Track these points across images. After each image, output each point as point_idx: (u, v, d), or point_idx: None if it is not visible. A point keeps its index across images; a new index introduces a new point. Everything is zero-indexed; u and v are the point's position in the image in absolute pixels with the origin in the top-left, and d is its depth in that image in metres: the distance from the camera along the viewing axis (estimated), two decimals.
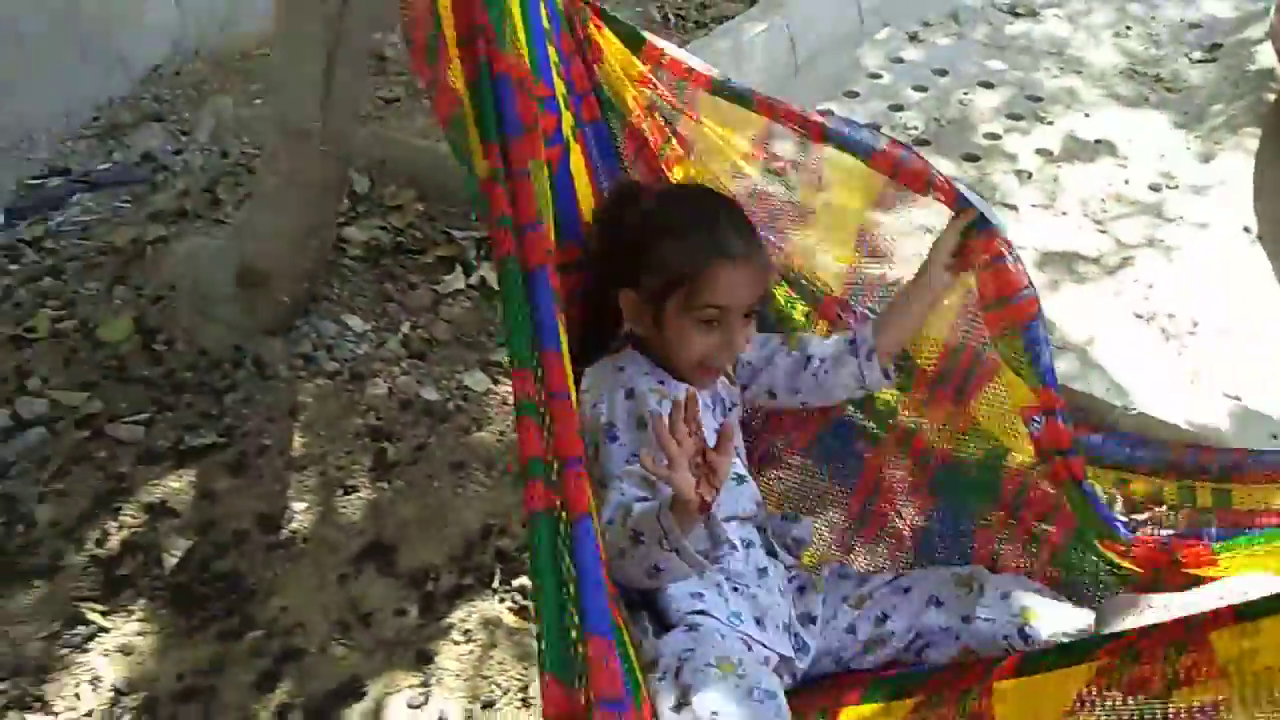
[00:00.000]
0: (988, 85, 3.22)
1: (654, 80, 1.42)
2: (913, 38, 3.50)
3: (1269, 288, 2.34)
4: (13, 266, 2.42)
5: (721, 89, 1.38)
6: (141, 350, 2.19)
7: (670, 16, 3.36)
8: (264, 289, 2.05)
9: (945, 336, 1.44)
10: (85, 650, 1.65)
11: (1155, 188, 2.73)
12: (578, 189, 1.43)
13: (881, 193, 1.41)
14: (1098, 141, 2.92)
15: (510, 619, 1.72)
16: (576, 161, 1.42)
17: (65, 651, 1.65)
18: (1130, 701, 0.86)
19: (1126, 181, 2.74)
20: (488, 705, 1.58)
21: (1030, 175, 2.79)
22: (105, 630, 1.68)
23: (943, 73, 3.29)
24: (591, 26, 1.41)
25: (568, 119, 1.40)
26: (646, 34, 1.43)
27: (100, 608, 1.71)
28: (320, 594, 1.74)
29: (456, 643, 1.67)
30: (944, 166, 2.82)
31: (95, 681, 1.61)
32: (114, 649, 1.65)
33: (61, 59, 2.77)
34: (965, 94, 3.17)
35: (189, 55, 3.01)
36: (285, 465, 1.96)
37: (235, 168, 2.69)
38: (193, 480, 1.93)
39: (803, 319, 1.53)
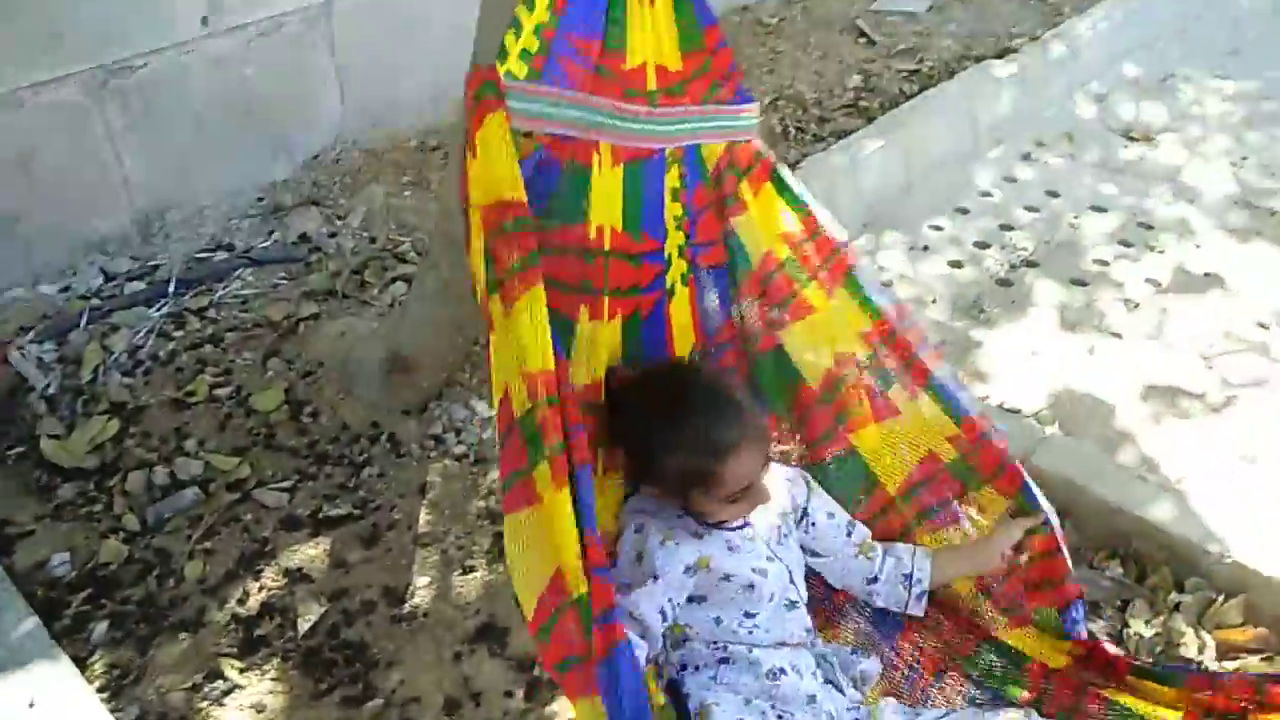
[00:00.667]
0: (1099, 209, 3.27)
1: (800, 245, 1.56)
2: (1025, 157, 3.58)
3: None
4: (177, 333, 2.67)
5: (853, 280, 1.55)
6: (289, 420, 2.40)
7: (790, 129, 3.51)
8: (408, 375, 2.24)
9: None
10: (222, 704, 1.81)
11: (1264, 325, 2.74)
12: (676, 331, 1.59)
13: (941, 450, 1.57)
14: (1207, 275, 2.95)
15: None
16: (680, 305, 1.58)
17: (205, 705, 1.81)
18: None
19: (1234, 318, 2.76)
20: None
21: (1137, 305, 2.83)
22: (241, 687, 1.84)
23: (1054, 194, 3.37)
24: (745, 190, 1.55)
25: (678, 267, 1.56)
26: (809, 202, 1.58)
27: (238, 664, 1.88)
28: (436, 669, 1.87)
29: None
30: (1052, 289, 2.90)
31: None
32: (248, 705, 1.81)
33: (234, 143, 3.06)
34: (1076, 217, 3.24)
35: (348, 145, 3.29)
36: (412, 541, 2.12)
37: (382, 253, 2.93)
38: (328, 549, 2.10)
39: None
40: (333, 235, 3.01)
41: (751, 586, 1.42)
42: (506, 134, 1.23)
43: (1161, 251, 3.07)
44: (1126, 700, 1.44)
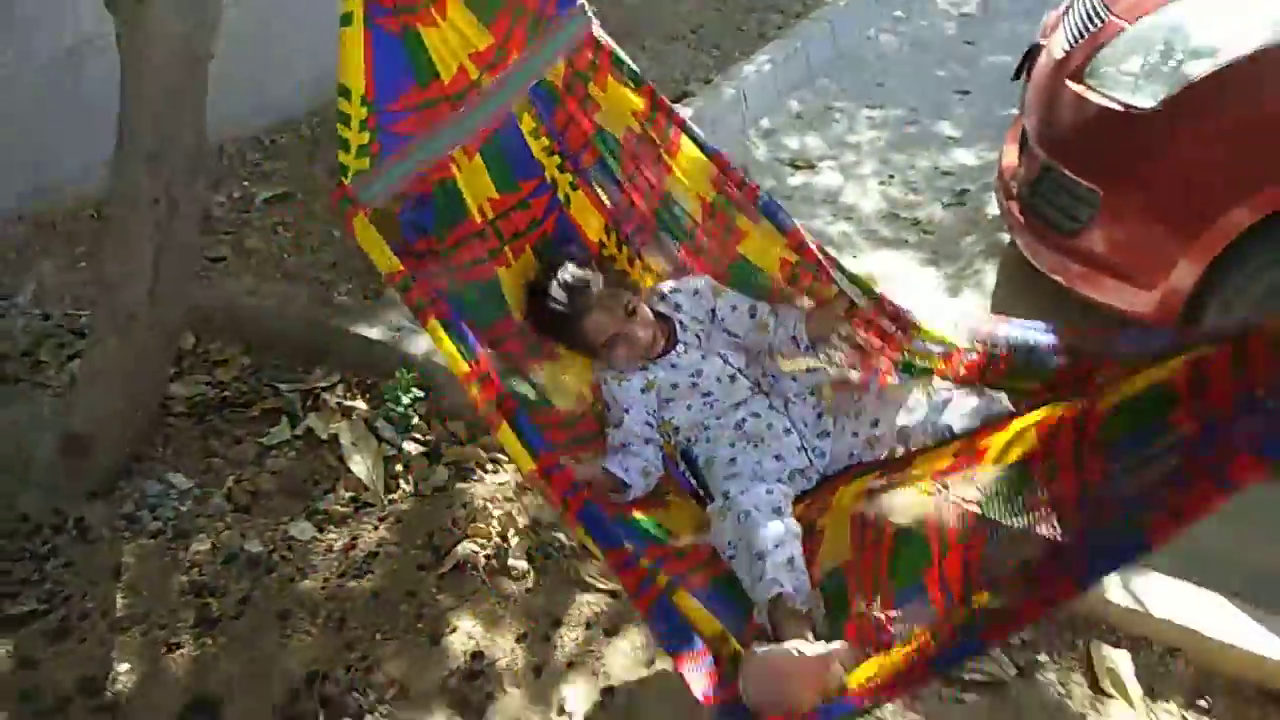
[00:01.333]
0: None
1: (646, 109, 1.81)
2: None
3: None
4: None
5: (689, 129, 1.83)
6: None
7: None
8: (86, 458, 2.13)
9: None
10: None
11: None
12: (584, 223, 1.99)
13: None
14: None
15: None
16: (580, 203, 1.95)
17: None
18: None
19: None
20: None
21: None
22: None
23: None
24: (592, 86, 1.79)
25: (564, 181, 1.90)
26: (638, 80, 1.82)
27: None
28: None
29: None
30: None
31: None
32: None
33: None
34: None
35: (11, 219, 3.06)
36: (109, 628, 2.01)
37: (57, 329, 2.75)
38: (11, 650, 1.95)
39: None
40: (1, 316, 2.80)
41: (695, 383, 1.94)
42: (369, 229, 1.52)
43: None
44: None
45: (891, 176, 4.08)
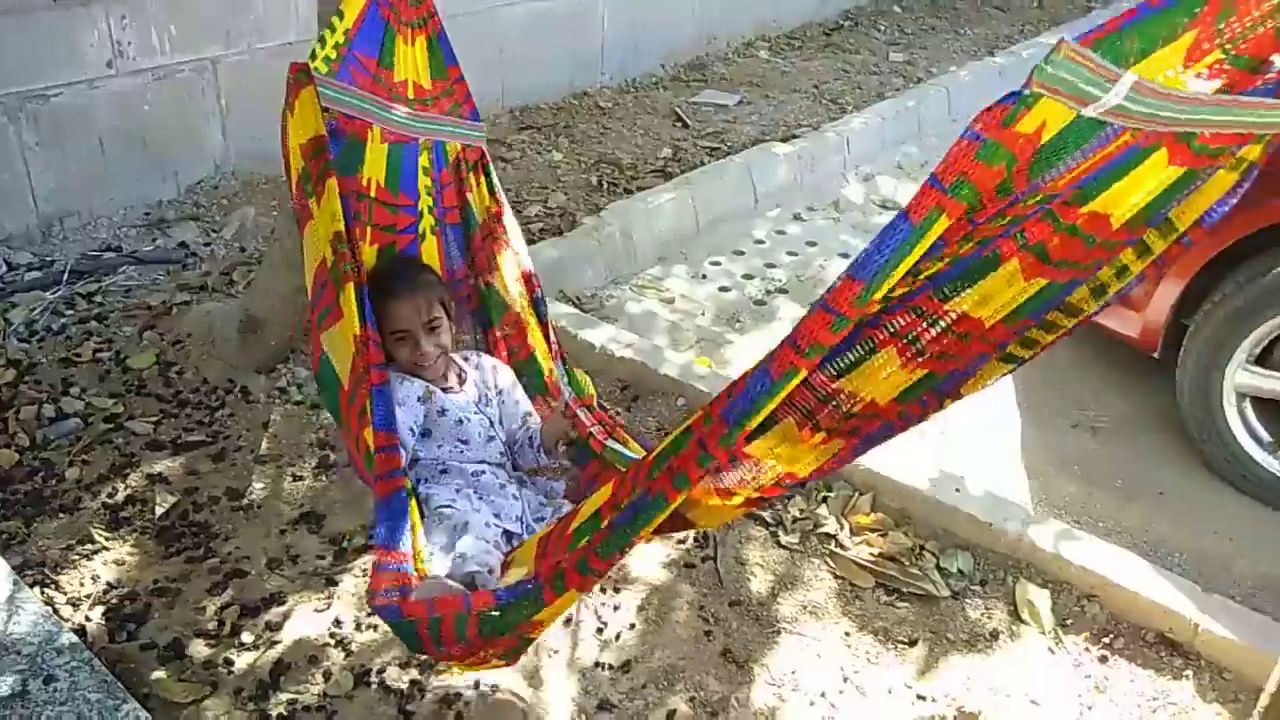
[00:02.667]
0: (845, 255, 4.10)
1: (496, 209, 2.28)
2: (796, 217, 4.41)
3: None
4: (69, 311, 3.20)
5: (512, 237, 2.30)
6: (159, 376, 2.95)
7: (605, 184, 4.27)
8: (258, 334, 2.83)
9: None
10: (90, 560, 2.32)
11: None
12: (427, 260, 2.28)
13: None
14: None
15: None
16: (429, 248, 2.27)
17: (76, 558, 2.32)
18: None
19: None
20: (371, 614, 2.25)
21: None
22: (107, 549, 2.36)
23: (813, 244, 4.18)
24: (471, 177, 2.26)
25: (427, 220, 2.24)
26: (501, 197, 2.30)
27: (106, 533, 2.39)
28: (264, 540, 2.42)
29: (356, 577, 2.34)
30: (795, 309, 3.66)
31: (95, 578, 2.28)
32: (111, 561, 2.33)
33: (129, 166, 3.64)
34: (825, 260, 4.05)
35: (227, 175, 3.90)
36: (253, 460, 2.68)
37: (249, 260, 3.52)
38: (183, 462, 2.64)
39: None
40: (207, 244, 3.60)
41: (461, 423, 2.05)
42: (314, 100, 1.86)
43: None
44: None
45: None
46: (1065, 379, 3.27)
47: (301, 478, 2.63)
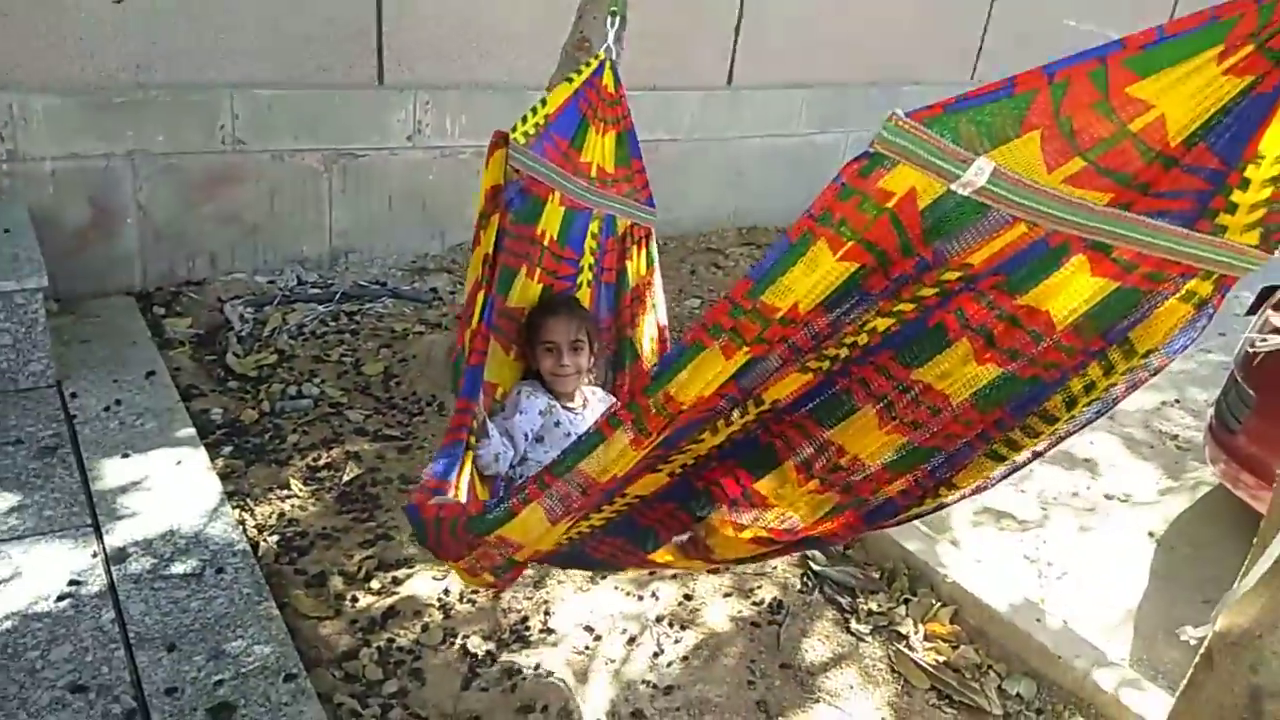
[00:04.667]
0: None
1: (649, 279, 2.66)
2: None
3: None
4: (332, 323, 3.94)
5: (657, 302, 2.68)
6: (382, 383, 3.57)
7: None
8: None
9: None
10: (283, 501, 2.89)
11: None
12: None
13: None
14: None
15: None
16: (583, 297, 2.65)
17: (271, 496, 2.89)
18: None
19: None
20: (474, 591, 2.63)
21: None
22: (297, 496, 2.92)
23: None
24: (633, 249, 2.66)
25: (586, 275, 2.66)
26: (656, 271, 2.69)
27: (299, 483, 2.97)
28: None
29: None
30: None
31: (281, 515, 2.83)
32: (296, 506, 2.88)
33: (408, 223, 4.43)
34: None
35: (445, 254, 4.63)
36: (429, 458, 3.19)
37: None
38: (377, 448, 3.20)
39: None
40: (452, 292, 4.28)
41: (569, 437, 2.30)
42: (502, 160, 2.31)
43: None
44: None
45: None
46: (1211, 556, 3.15)
47: None
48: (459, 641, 2.45)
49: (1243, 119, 1.27)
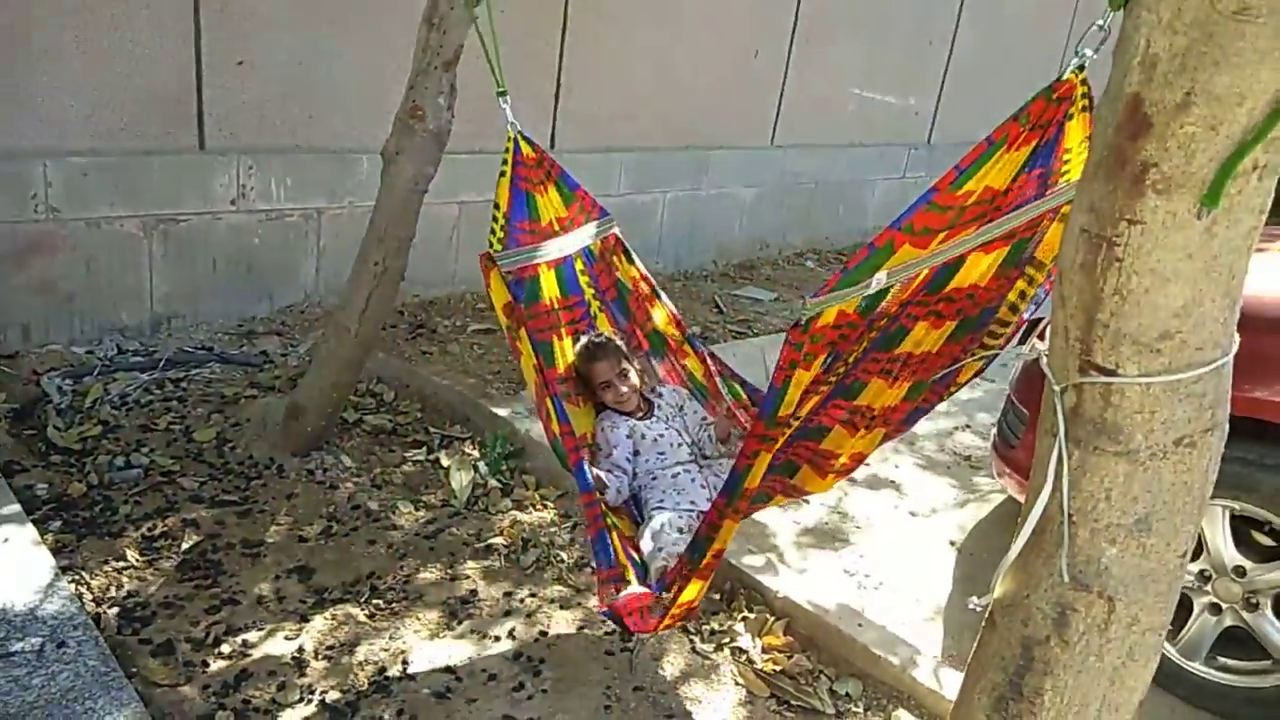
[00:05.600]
0: None
1: (637, 275, 2.98)
2: None
3: None
4: (157, 391, 3.85)
5: (658, 291, 3.05)
6: (215, 448, 3.53)
7: None
8: (299, 420, 3.40)
9: None
10: (119, 573, 2.82)
11: None
12: (602, 330, 3.05)
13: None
14: None
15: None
16: (602, 322, 3.03)
17: (109, 569, 2.82)
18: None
19: None
20: (329, 647, 2.65)
21: None
22: (135, 567, 2.85)
23: None
24: (615, 259, 2.98)
25: (594, 305, 3.01)
26: (639, 265, 3.01)
27: (137, 556, 2.90)
28: (261, 583, 2.88)
29: (325, 619, 2.76)
30: None
31: (119, 586, 2.77)
32: (135, 576, 2.82)
33: (234, 286, 4.39)
34: None
35: (314, 303, 4.62)
36: (270, 520, 3.18)
37: (306, 361, 4.15)
38: (215, 515, 3.16)
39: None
40: (284, 355, 4.26)
41: (657, 440, 2.84)
42: (500, 277, 2.57)
43: None
44: None
45: None
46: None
47: (306, 540, 3.12)
48: (317, 697, 2.47)
49: (1045, 151, 1.87)
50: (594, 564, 2.42)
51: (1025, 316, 2.18)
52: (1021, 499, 3.35)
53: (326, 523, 3.21)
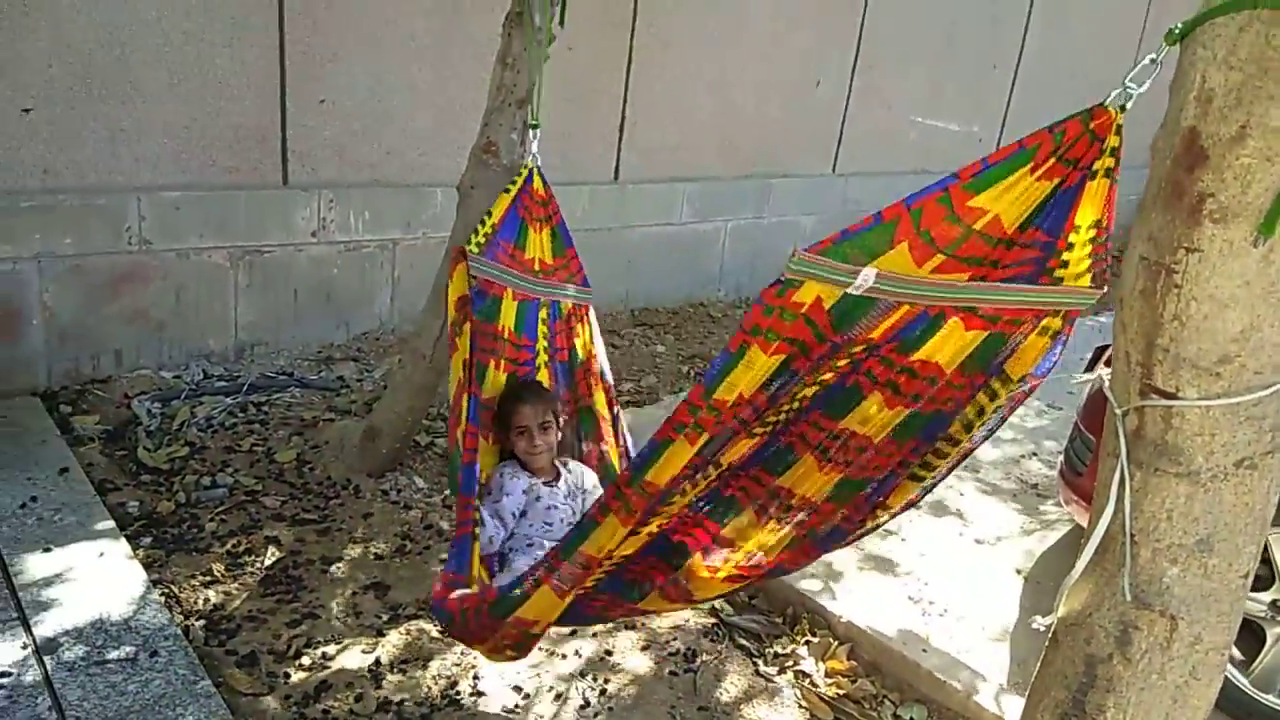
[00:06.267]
0: None
1: (593, 351, 2.94)
2: None
3: None
4: (241, 414, 4.02)
5: (604, 373, 2.96)
6: (295, 469, 3.67)
7: (694, 373, 4.89)
8: (375, 442, 3.53)
9: None
10: (206, 587, 2.96)
11: None
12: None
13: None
14: None
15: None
16: (543, 377, 2.91)
17: (196, 583, 2.96)
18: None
19: None
20: (404, 661, 2.75)
21: None
22: (220, 581, 2.99)
23: None
24: (578, 326, 2.95)
25: (543, 358, 2.92)
26: (598, 342, 2.97)
27: (223, 571, 3.04)
28: (339, 598, 2.99)
29: (401, 634, 2.86)
30: None
31: (206, 600, 2.90)
32: (221, 590, 2.95)
33: (314, 314, 4.56)
34: None
35: (389, 331, 4.78)
36: (348, 539, 3.30)
37: (383, 388, 4.29)
38: (295, 532, 3.30)
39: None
40: (359, 380, 4.42)
41: (550, 509, 2.64)
42: (465, 272, 2.61)
43: None
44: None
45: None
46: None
47: (381, 557, 3.23)
48: (393, 709, 2.56)
49: (1059, 205, 1.68)
50: (445, 564, 2.30)
51: (973, 444, 1.88)
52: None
53: (400, 541, 3.32)
